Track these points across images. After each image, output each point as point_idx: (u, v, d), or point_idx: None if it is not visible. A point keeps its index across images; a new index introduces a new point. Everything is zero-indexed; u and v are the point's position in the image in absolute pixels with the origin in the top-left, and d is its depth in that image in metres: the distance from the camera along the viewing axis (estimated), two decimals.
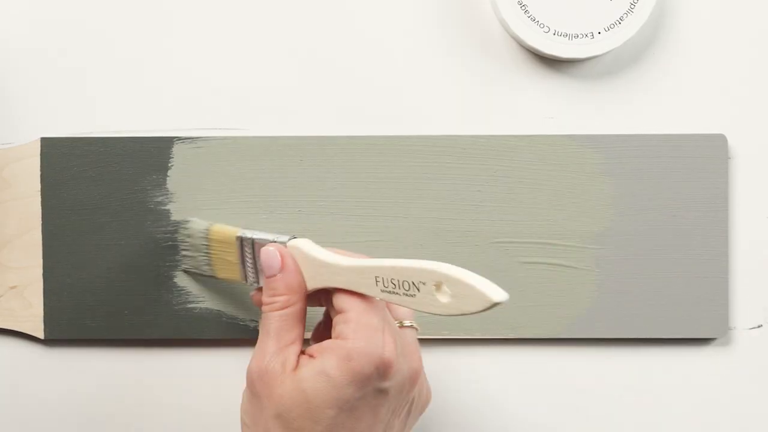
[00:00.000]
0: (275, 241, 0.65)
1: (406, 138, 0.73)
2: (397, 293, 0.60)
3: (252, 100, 0.73)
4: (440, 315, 0.59)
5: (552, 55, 0.71)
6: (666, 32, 0.73)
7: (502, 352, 0.74)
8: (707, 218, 0.73)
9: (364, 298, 0.62)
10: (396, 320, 0.65)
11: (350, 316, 0.61)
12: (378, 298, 0.61)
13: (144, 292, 0.73)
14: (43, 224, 0.73)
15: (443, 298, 0.58)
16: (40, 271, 0.73)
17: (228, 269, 0.69)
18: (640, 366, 0.74)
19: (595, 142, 0.73)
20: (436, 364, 0.73)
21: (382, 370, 0.61)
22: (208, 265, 0.70)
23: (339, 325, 0.62)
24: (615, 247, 0.73)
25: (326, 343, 0.62)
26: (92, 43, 0.73)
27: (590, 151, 0.72)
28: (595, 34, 0.71)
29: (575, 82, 0.73)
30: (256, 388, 0.62)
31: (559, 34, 0.71)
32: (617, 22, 0.71)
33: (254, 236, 0.66)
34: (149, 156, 0.73)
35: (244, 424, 0.64)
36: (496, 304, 0.57)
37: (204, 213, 0.73)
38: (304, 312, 0.64)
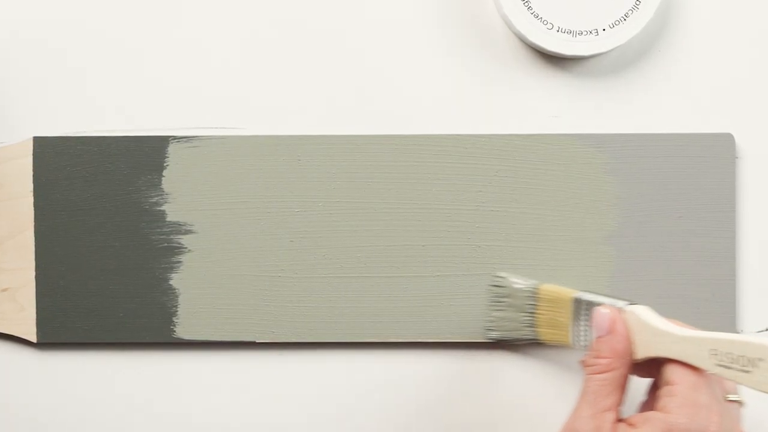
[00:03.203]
0: (611, 305, 0.65)
1: (407, 137, 0.72)
2: (732, 368, 0.59)
3: (249, 98, 0.73)
4: None
5: (555, 53, 0.71)
6: (672, 29, 0.73)
7: (507, 355, 0.73)
8: (714, 219, 0.72)
9: (695, 371, 0.61)
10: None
11: (678, 389, 0.61)
12: (711, 372, 0.61)
13: (139, 295, 0.72)
14: (35, 225, 0.73)
15: None
16: (32, 273, 0.73)
17: (556, 331, 0.69)
18: None
19: (600, 141, 0.72)
20: (442, 368, 0.73)
21: None
22: (531, 326, 0.70)
23: (664, 397, 0.61)
24: (620, 248, 0.72)
25: (649, 414, 0.61)
26: (87, 42, 0.73)
27: (594, 151, 0.72)
28: (600, 31, 0.71)
29: (579, 80, 0.73)
30: None
31: (563, 30, 0.71)
32: (622, 19, 0.71)
33: (592, 299, 0.66)
34: (144, 155, 0.72)
35: None
36: None
37: (201, 214, 0.72)
38: (626, 379, 0.63)
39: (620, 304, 0.65)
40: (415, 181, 0.72)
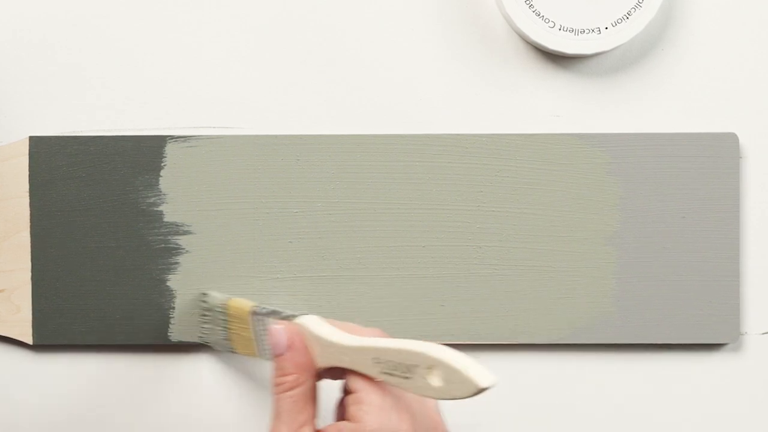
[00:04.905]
0: (282, 318, 0.64)
1: (407, 137, 0.72)
2: (395, 375, 0.58)
3: (247, 98, 0.73)
4: (436, 399, 0.57)
5: (557, 51, 0.71)
6: (675, 27, 0.73)
7: (508, 357, 0.73)
8: (718, 220, 0.72)
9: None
10: None
11: (360, 396, 0.60)
12: (378, 380, 0.60)
13: (136, 296, 0.72)
14: (31, 226, 0.72)
15: (435, 382, 0.57)
16: (28, 274, 0.72)
17: (246, 345, 0.68)
18: (649, 372, 0.73)
19: (602, 141, 0.72)
20: None
21: None
22: (227, 340, 0.69)
23: (351, 406, 0.60)
24: (622, 250, 0.72)
25: (341, 424, 0.61)
26: (84, 40, 0.73)
27: (597, 151, 0.72)
28: (602, 30, 0.70)
29: (581, 79, 0.73)
30: None
31: (565, 29, 0.70)
32: (625, 17, 0.70)
33: (267, 312, 0.66)
34: (141, 155, 0.72)
35: None
36: (483, 390, 0.55)
37: (198, 214, 0.72)
38: (315, 390, 0.63)
39: (291, 315, 0.64)
40: (416, 181, 0.72)
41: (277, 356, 0.63)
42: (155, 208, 0.72)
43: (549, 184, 0.72)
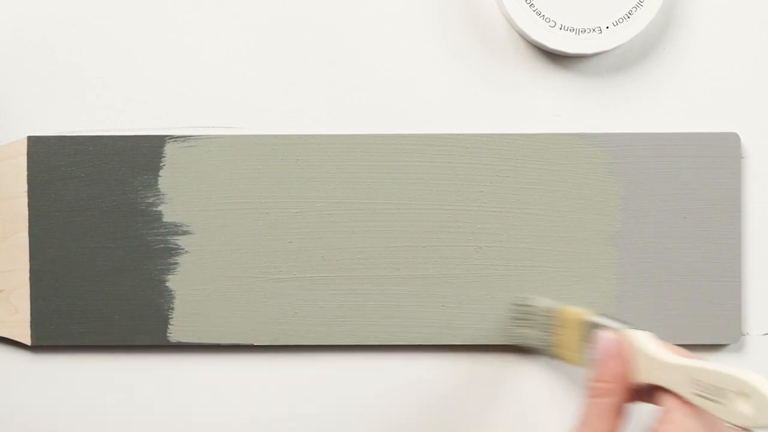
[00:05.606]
0: (614, 328, 0.64)
1: (407, 137, 0.72)
2: (707, 398, 0.58)
3: (247, 98, 0.72)
4: (742, 426, 0.57)
5: (558, 51, 0.70)
6: (676, 27, 0.72)
7: (508, 357, 0.73)
8: (719, 220, 0.72)
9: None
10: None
11: (671, 416, 0.60)
12: (689, 401, 0.59)
13: (134, 297, 0.72)
14: (30, 226, 0.72)
15: (745, 409, 0.56)
16: (26, 274, 0.72)
17: (568, 351, 0.68)
18: None
19: (603, 140, 0.72)
20: (442, 371, 0.72)
21: None
22: (548, 344, 0.69)
23: (658, 424, 0.60)
24: (623, 250, 0.71)
25: None
26: (82, 40, 0.73)
27: (598, 151, 0.71)
28: (603, 29, 0.70)
29: (582, 78, 0.72)
30: None
31: (566, 28, 0.70)
32: (626, 17, 0.70)
33: (599, 321, 0.65)
34: (141, 155, 0.72)
35: None
36: None
37: (198, 214, 0.72)
38: (624, 406, 0.62)
39: (621, 326, 0.64)
40: (416, 181, 0.71)
41: (599, 362, 0.63)
42: (154, 209, 0.72)
43: (550, 184, 0.71)
